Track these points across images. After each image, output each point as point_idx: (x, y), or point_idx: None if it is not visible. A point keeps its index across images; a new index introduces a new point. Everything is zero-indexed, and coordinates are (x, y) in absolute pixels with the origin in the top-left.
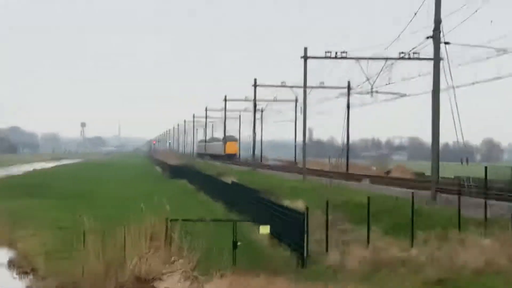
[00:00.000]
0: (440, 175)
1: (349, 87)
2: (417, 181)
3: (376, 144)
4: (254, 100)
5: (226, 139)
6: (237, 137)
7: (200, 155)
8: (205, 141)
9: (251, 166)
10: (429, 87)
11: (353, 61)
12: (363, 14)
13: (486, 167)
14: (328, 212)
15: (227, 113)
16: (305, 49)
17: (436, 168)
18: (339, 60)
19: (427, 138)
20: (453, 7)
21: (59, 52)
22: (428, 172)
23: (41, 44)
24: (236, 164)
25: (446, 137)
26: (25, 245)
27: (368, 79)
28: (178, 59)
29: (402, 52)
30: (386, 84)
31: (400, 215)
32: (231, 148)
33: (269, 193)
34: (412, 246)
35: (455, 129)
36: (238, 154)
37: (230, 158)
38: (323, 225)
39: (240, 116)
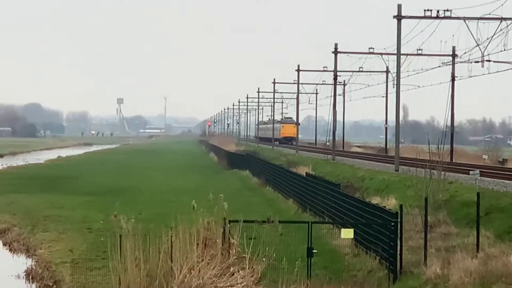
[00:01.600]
0: None
1: (454, 55)
2: None
3: (488, 126)
4: (335, 69)
5: (282, 121)
6: (295, 118)
7: (261, 139)
8: (265, 123)
9: (330, 154)
10: None
11: (459, 22)
12: None
13: None
14: (427, 212)
15: (301, 86)
16: (399, 6)
17: None
18: (442, 21)
19: None
20: None
21: (89, 14)
22: None
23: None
24: (312, 151)
25: None
26: (47, 251)
27: (478, 45)
28: (239, 20)
29: None
30: (501, 51)
31: None
32: (288, 131)
33: (353, 188)
34: None
35: None
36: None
37: (287, 142)
38: (421, 228)
39: (316, 90)
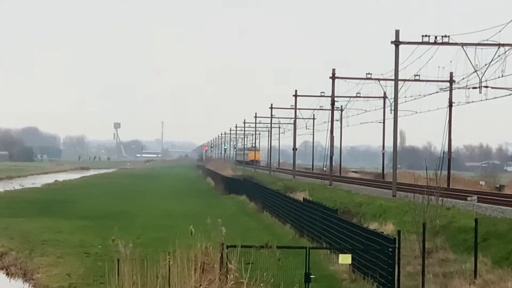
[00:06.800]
0: None
1: (451, 80)
2: None
3: (485, 152)
4: (332, 94)
5: (248, 149)
6: (258, 147)
7: (239, 162)
8: (242, 149)
9: (327, 179)
10: None
11: (457, 48)
12: None
13: None
14: (425, 238)
15: (298, 111)
16: (397, 32)
17: None
18: (440, 47)
19: None
20: None
21: (86, 40)
22: None
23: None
24: (309, 176)
25: None
26: (44, 275)
27: (475, 71)
28: (237, 48)
29: None
30: (499, 77)
31: None
32: (252, 156)
33: (350, 214)
34: None
35: None
36: (259, 161)
37: (253, 163)
38: (418, 254)
39: (313, 115)
